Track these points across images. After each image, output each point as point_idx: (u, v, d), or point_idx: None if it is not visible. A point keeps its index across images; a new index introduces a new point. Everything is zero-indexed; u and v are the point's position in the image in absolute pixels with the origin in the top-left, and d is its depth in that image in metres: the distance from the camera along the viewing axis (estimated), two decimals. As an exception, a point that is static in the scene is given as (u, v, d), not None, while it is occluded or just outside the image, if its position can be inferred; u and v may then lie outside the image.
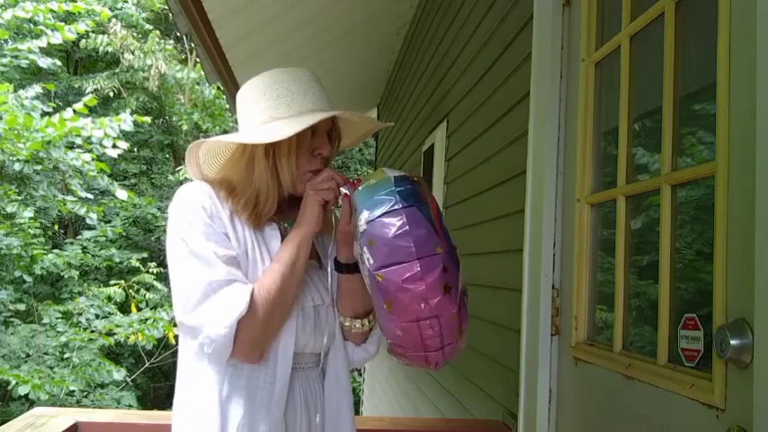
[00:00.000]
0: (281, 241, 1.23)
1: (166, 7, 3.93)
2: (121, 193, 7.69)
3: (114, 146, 7.10)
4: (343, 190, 1.21)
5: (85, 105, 6.84)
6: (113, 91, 11.29)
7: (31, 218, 7.65)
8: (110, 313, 8.34)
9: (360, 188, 1.15)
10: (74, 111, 6.84)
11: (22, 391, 6.57)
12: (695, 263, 1.16)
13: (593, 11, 1.52)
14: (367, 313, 1.30)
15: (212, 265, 1.14)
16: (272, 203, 1.22)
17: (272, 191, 1.21)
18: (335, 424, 1.28)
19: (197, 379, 1.19)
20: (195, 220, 1.17)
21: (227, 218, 1.20)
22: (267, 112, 1.21)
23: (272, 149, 1.20)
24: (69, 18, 8.91)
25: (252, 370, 1.18)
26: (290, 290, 1.18)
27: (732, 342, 0.90)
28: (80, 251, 8.93)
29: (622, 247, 1.30)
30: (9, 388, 6.73)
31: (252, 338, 1.14)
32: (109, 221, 9.63)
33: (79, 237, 9.56)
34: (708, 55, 1.04)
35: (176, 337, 7.64)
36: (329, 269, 1.30)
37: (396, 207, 1.06)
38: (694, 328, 1.05)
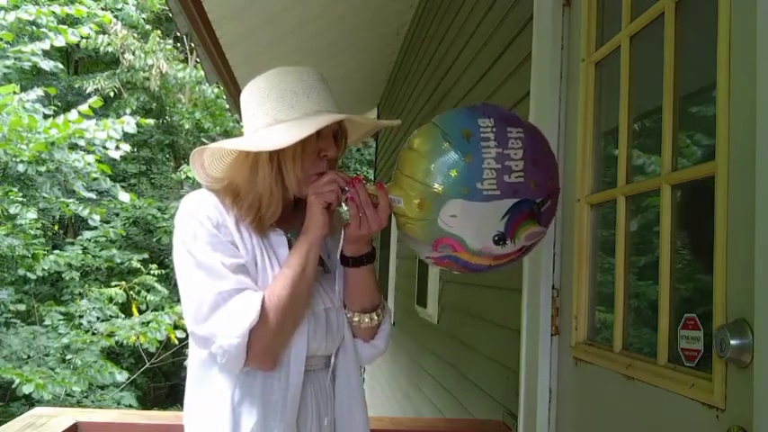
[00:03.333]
0: (289, 248, 1.22)
1: (166, 8, 3.93)
2: (124, 196, 7.70)
3: (117, 147, 7.11)
4: (348, 191, 1.19)
5: (90, 107, 6.85)
6: (114, 91, 11.30)
7: (33, 219, 7.66)
8: (111, 315, 8.35)
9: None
10: (78, 113, 6.85)
11: (27, 389, 6.58)
12: (695, 263, 1.16)
13: (593, 11, 1.52)
14: (374, 307, 1.30)
15: (221, 276, 1.13)
16: (276, 208, 1.21)
17: (275, 195, 1.20)
18: (348, 424, 1.28)
19: (208, 386, 1.20)
20: (200, 231, 1.16)
21: (234, 226, 1.19)
22: (271, 114, 1.19)
23: (276, 153, 1.19)
24: (69, 19, 8.91)
25: (265, 376, 1.18)
26: (300, 296, 1.18)
27: (732, 342, 0.90)
28: (80, 252, 8.93)
29: (622, 246, 1.30)
30: (13, 387, 6.74)
31: (264, 346, 1.14)
32: (108, 222, 9.63)
33: (79, 237, 9.56)
34: (708, 55, 1.04)
35: (178, 338, 7.66)
36: (338, 268, 1.30)
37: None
38: (694, 328, 1.04)
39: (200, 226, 1.17)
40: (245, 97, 1.24)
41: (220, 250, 1.15)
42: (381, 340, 1.33)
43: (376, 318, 1.30)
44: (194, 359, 1.23)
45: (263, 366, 1.17)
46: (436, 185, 1.10)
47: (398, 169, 1.18)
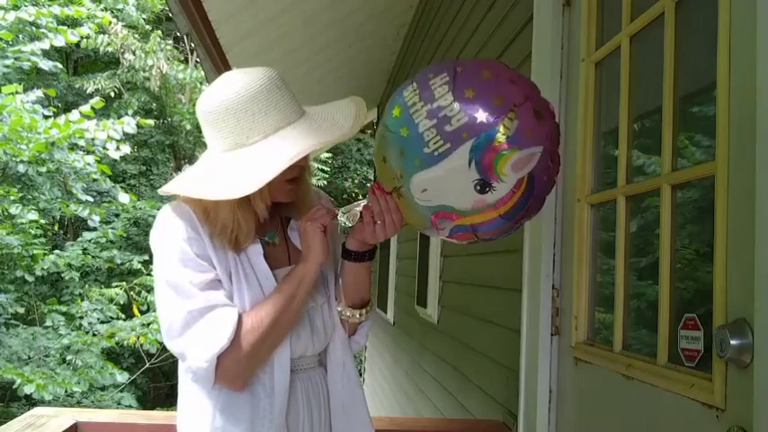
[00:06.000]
0: (264, 255, 1.21)
1: (166, 8, 3.93)
2: (124, 197, 7.70)
3: (117, 148, 7.11)
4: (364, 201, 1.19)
5: (92, 108, 6.85)
6: (114, 91, 11.29)
7: (33, 220, 7.66)
8: (112, 317, 8.36)
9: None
10: (80, 113, 6.85)
11: (28, 390, 6.59)
12: (695, 263, 1.16)
13: (593, 11, 1.52)
14: (363, 304, 1.30)
15: (188, 295, 1.12)
16: (248, 229, 1.18)
17: (243, 220, 1.17)
18: (353, 413, 1.28)
19: (195, 391, 1.20)
20: (171, 246, 1.15)
21: (208, 237, 1.17)
22: (230, 138, 1.12)
23: None
24: (69, 20, 8.91)
25: (252, 384, 1.18)
26: (284, 324, 1.17)
27: (732, 342, 0.90)
28: (80, 252, 8.93)
29: (622, 247, 1.30)
30: (14, 387, 6.74)
31: (234, 371, 1.14)
32: (108, 222, 9.63)
33: (80, 238, 9.56)
34: (708, 55, 1.04)
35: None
36: (330, 263, 1.30)
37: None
38: (694, 329, 1.04)
39: (171, 241, 1.15)
40: (200, 116, 1.16)
41: (190, 266, 1.13)
42: (362, 336, 1.34)
43: (365, 313, 1.30)
44: (182, 364, 1.23)
45: (233, 387, 1.16)
46: (397, 172, 1.09)
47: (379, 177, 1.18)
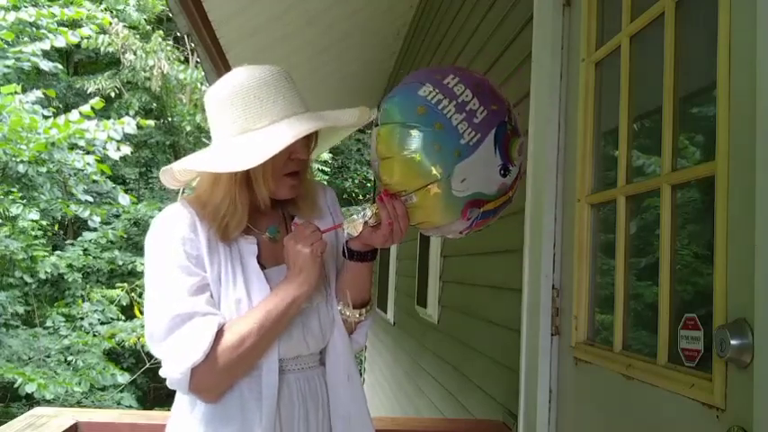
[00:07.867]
0: (260, 254, 1.21)
1: (167, 8, 3.94)
2: (124, 199, 7.70)
3: (118, 148, 7.12)
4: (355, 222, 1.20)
5: (92, 108, 6.85)
6: (114, 91, 11.30)
7: (34, 220, 7.66)
8: (112, 318, 8.36)
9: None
10: (80, 113, 6.86)
11: (29, 389, 6.60)
12: (695, 263, 1.16)
13: (593, 11, 1.52)
14: (364, 304, 1.30)
15: (175, 298, 1.12)
16: (241, 217, 1.18)
17: (239, 205, 1.17)
18: (354, 414, 1.27)
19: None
20: (163, 247, 1.15)
21: (205, 237, 1.17)
22: (238, 123, 1.14)
23: None
24: (69, 21, 8.92)
25: (240, 387, 1.17)
26: (267, 340, 1.16)
27: (732, 342, 0.90)
28: (81, 253, 8.93)
29: (622, 247, 1.30)
30: (16, 386, 6.75)
31: (208, 384, 1.14)
32: (108, 223, 9.62)
33: (80, 238, 9.56)
34: (708, 55, 1.04)
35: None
36: (332, 263, 1.29)
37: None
38: (694, 329, 1.04)
39: (165, 242, 1.15)
40: (209, 104, 1.19)
41: (181, 269, 1.13)
42: (361, 336, 1.34)
43: (365, 312, 1.30)
44: None
45: (207, 399, 1.16)
46: (434, 169, 1.12)
47: (389, 181, 1.17)
